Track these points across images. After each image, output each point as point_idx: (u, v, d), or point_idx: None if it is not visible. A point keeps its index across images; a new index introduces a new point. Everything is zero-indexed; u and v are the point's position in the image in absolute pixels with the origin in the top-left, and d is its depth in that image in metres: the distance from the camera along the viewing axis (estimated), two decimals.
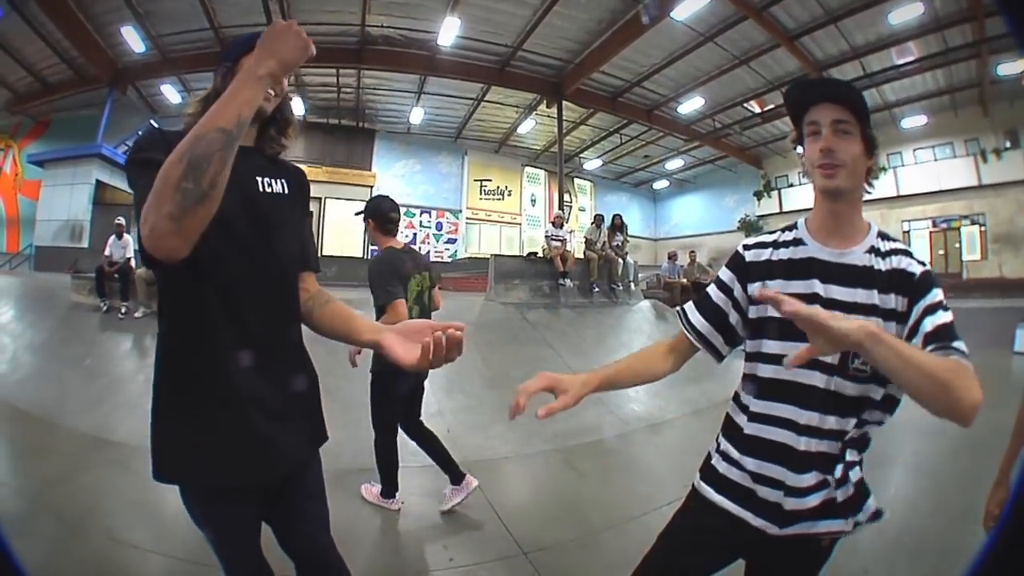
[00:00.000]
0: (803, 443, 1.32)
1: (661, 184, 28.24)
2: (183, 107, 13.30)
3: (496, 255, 10.51)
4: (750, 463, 1.41)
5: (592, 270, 10.36)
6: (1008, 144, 16.89)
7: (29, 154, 17.09)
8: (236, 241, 1.38)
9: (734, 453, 1.46)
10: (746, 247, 1.51)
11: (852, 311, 1.28)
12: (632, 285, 11.20)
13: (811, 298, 1.32)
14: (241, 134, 1.15)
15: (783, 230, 1.49)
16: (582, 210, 25.94)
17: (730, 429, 1.51)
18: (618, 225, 11.22)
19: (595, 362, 7.08)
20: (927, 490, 3.71)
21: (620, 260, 10.89)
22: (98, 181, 16.25)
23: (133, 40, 13.52)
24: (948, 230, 18.68)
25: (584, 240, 11.16)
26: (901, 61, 15.36)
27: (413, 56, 15.27)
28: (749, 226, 23.61)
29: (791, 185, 22.78)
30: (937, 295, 1.27)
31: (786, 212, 22.69)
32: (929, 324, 1.21)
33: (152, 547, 2.88)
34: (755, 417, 1.42)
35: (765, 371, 1.41)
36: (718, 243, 24.03)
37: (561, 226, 10.74)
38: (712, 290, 1.56)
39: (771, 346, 1.39)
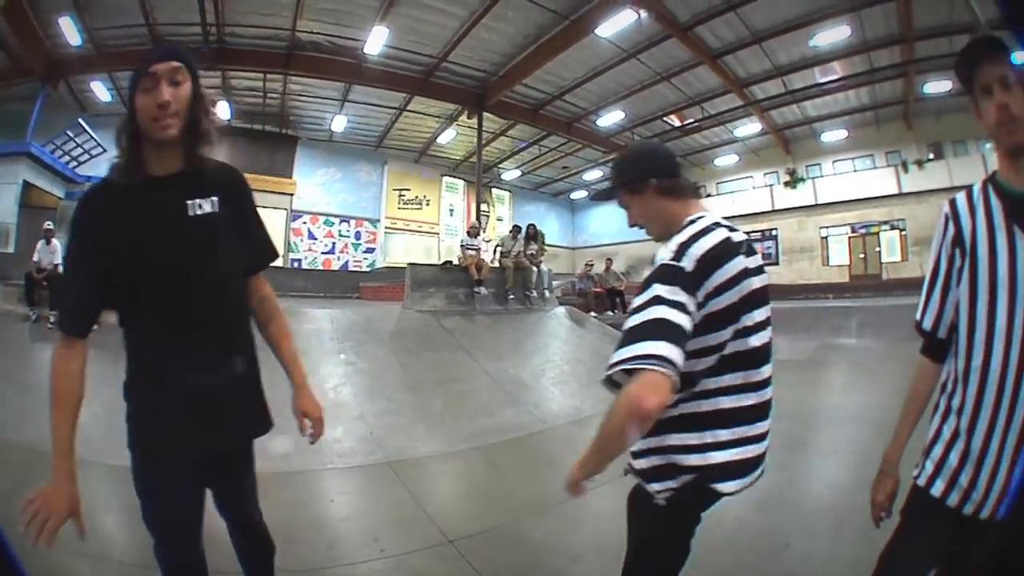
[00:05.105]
0: None
1: (579, 194, 28.86)
2: (112, 105, 12.37)
3: (412, 264, 10.55)
4: None
5: (507, 278, 10.56)
6: (931, 156, 17.65)
7: None
8: (171, 269, 1.54)
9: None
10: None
11: None
12: (547, 292, 11.45)
13: None
14: None
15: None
16: (500, 220, 26.29)
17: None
18: (532, 234, 11.50)
19: (511, 366, 7.30)
20: (848, 467, 4.00)
21: (534, 268, 11.10)
22: (25, 182, 14.95)
23: (70, 31, 12.83)
24: (867, 235, 19.73)
25: (499, 249, 11.38)
26: (824, 80, 15.80)
27: (340, 63, 15.18)
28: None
29: (710, 195, 23.74)
30: None
31: None
32: None
33: (96, 553, 2.75)
34: None
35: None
36: (636, 251, 24.68)
37: (476, 235, 10.93)
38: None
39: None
